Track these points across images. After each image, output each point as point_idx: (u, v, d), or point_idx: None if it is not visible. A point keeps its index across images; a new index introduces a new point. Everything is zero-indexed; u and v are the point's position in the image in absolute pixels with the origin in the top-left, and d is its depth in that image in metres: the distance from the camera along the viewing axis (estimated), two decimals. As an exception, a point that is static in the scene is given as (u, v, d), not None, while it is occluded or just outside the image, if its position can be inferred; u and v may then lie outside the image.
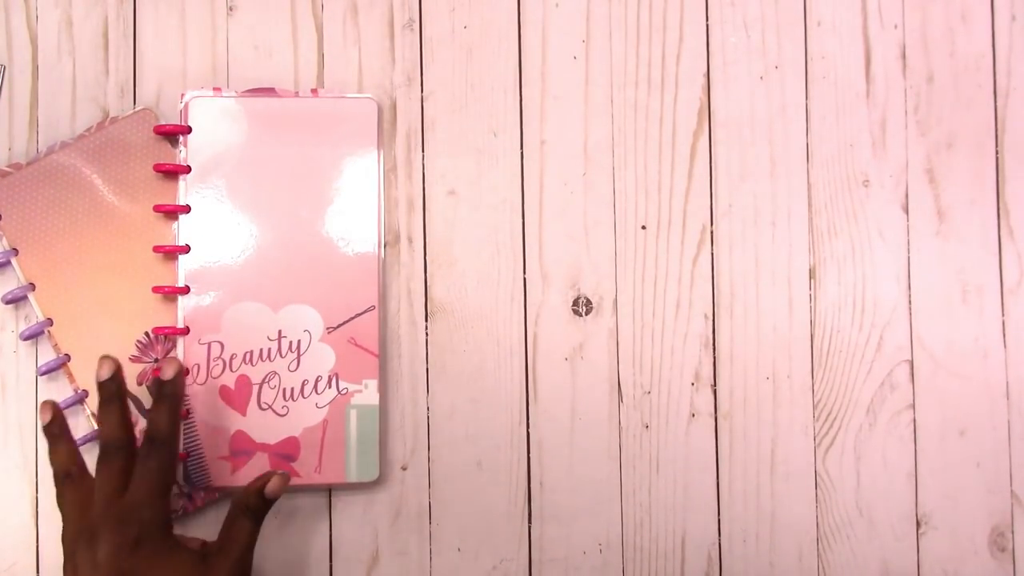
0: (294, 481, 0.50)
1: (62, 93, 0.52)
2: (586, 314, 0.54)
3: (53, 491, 0.46)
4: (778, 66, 0.56)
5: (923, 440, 0.56)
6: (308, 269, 0.51)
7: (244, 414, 0.50)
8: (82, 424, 0.50)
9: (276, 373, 0.51)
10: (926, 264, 0.56)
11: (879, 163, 0.56)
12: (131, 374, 0.50)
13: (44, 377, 0.50)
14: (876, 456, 0.55)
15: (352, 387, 0.51)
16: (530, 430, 0.53)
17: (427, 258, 0.53)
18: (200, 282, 0.50)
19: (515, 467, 0.53)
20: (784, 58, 0.56)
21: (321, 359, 0.51)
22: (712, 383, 0.54)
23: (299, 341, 0.51)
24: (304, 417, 0.51)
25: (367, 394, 0.51)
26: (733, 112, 0.55)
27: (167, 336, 0.50)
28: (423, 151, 0.54)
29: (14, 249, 0.50)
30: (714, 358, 0.55)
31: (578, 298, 0.54)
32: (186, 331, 0.50)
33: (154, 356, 0.50)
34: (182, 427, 0.48)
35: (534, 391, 0.53)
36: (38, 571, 0.50)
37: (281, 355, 0.51)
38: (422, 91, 0.54)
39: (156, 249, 0.50)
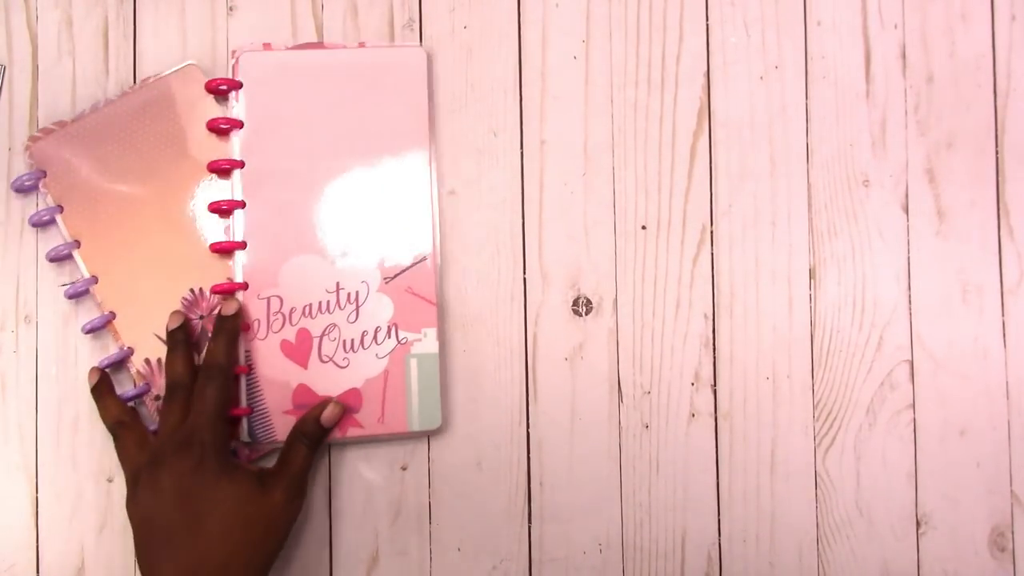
0: (358, 433, 0.51)
1: (62, 93, 0.52)
2: (586, 314, 0.54)
3: (54, 488, 0.50)
4: (778, 66, 0.56)
5: (923, 440, 0.56)
6: (363, 220, 0.51)
7: (306, 367, 0.50)
8: (127, 381, 0.51)
9: (336, 325, 0.51)
10: (926, 264, 0.56)
11: (879, 163, 0.56)
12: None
13: (89, 335, 0.50)
14: (876, 456, 0.55)
15: (412, 336, 0.51)
16: (530, 430, 0.53)
17: (427, 258, 0.53)
18: (256, 237, 0.50)
19: (515, 467, 0.53)
20: (784, 58, 0.56)
21: (380, 309, 0.51)
22: (712, 383, 0.54)
23: (357, 292, 0.51)
24: (365, 368, 0.51)
25: (427, 343, 0.51)
26: (733, 112, 0.55)
27: (218, 293, 0.50)
28: (423, 151, 0.54)
29: (59, 206, 0.50)
30: (714, 358, 0.55)
31: (578, 298, 0.54)
32: (245, 286, 0.50)
33: (200, 313, 0.50)
34: (244, 380, 0.50)
35: (534, 391, 0.53)
36: (38, 571, 0.50)
37: (340, 307, 0.51)
38: (422, 91, 0.54)
39: (211, 207, 0.50)
